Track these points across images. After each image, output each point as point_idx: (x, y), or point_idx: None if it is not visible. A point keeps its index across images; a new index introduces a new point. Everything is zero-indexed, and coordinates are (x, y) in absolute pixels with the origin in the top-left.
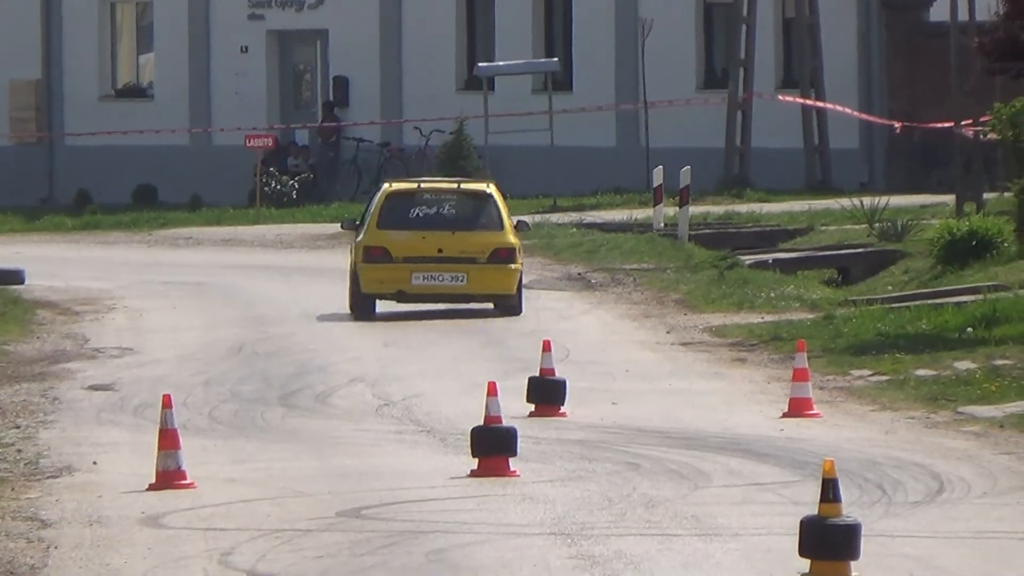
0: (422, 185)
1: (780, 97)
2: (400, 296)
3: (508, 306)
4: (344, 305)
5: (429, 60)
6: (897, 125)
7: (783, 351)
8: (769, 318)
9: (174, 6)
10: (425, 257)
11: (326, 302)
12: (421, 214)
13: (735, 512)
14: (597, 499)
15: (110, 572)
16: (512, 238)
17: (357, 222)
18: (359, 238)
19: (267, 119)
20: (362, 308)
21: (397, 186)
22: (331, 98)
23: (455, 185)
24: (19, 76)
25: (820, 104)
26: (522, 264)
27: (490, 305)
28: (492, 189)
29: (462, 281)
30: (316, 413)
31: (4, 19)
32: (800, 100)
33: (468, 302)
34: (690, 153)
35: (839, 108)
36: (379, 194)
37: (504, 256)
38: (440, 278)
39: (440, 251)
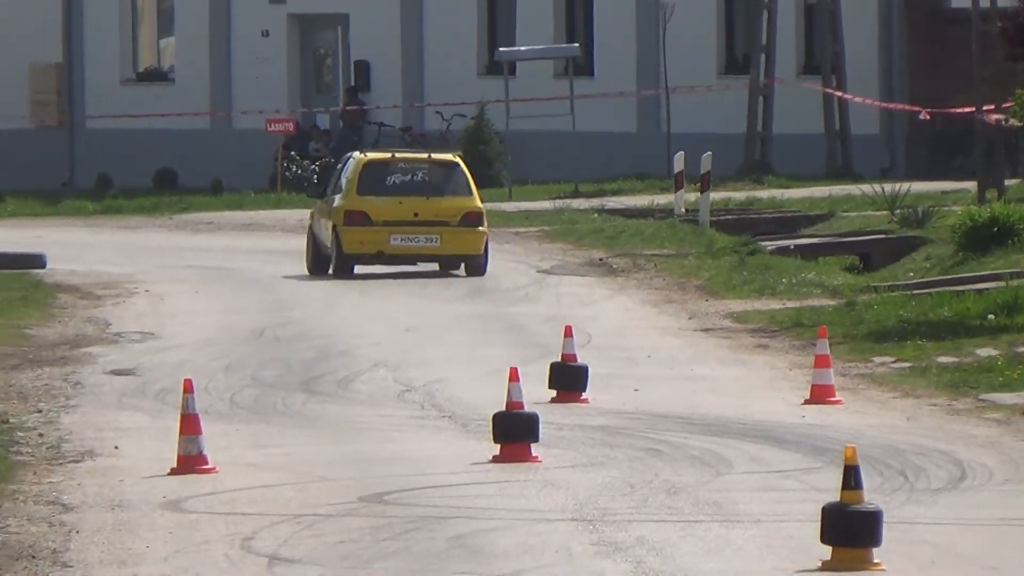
0: (396, 155)
1: (801, 83)
2: (379, 256)
3: (476, 265)
4: (363, 289)
5: (450, 45)
6: (924, 112)
7: (805, 337)
8: (791, 304)
9: None
10: (402, 220)
11: (346, 286)
12: (397, 181)
13: (757, 498)
14: (619, 485)
15: (131, 556)
16: (479, 203)
17: (323, 190)
18: (336, 204)
19: (288, 103)
20: (343, 268)
21: (372, 156)
22: (353, 82)
23: (426, 155)
24: (40, 59)
25: (840, 93)
26: (488, 228)
27: (511, 291)
28: (459, 159)
29: (436, 242)
30: (338, 398)
31: (25, 2)
32: (821, 87)
33: (441, 262)
34: (711, 139)
35: (859, 99)
36: (354, 164)
37: (474, 219)
38: (416, 240)
39: (416, 215)
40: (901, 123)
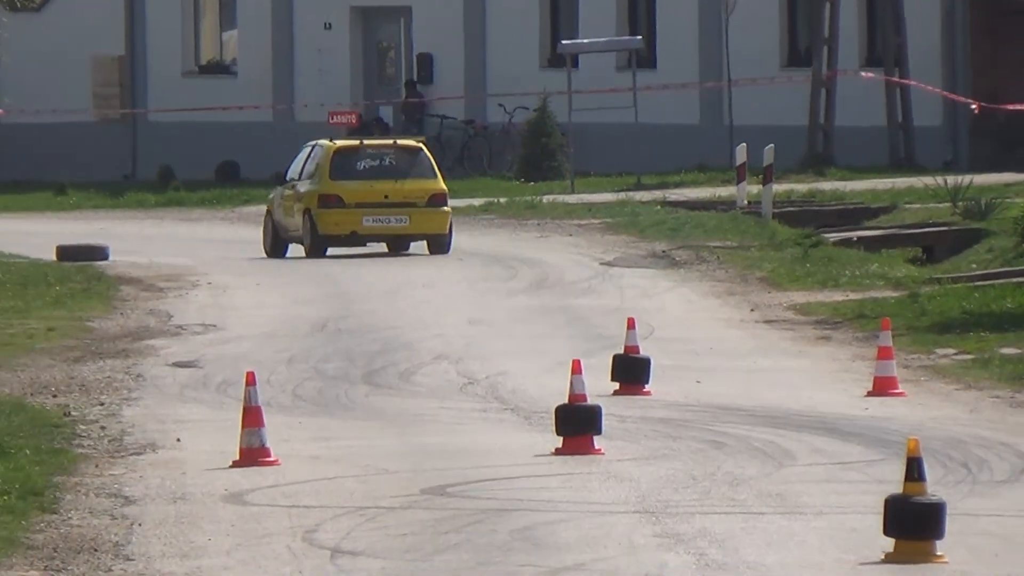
0: (364, 141)
1: (864, 75)
2: (353, 236)
3: (440, 243)
4: (427, 282)
5: (513, 37)
6: (974, 105)
7: (867, 329)
8: (853, 296)
9: None
10: (374, 202)
11: (410, 280)
12: (366, 166)
13: (819, 490)
14: (681, 477)
15: (194, 549)
16: (444, 185)
17: (286, 178)
18: (308, 189)
19: (350, 96)
20: (318, 249)
21: (341, 144)
22: (415, 75)
23: (392, 141)
24: (103, 52)
25: (903, 82)
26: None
27: (574, 283)
28: (422, 145)
29: (405, 222)
30: (400, 391)
31: None
32: (884, 78)
33: (410, 240)
34: (774, 131)
35: (922, 86)
36: (324, 151)
37: (439, 200)
38: (387, 220)
39: (386, 197)
40: (964, 115)
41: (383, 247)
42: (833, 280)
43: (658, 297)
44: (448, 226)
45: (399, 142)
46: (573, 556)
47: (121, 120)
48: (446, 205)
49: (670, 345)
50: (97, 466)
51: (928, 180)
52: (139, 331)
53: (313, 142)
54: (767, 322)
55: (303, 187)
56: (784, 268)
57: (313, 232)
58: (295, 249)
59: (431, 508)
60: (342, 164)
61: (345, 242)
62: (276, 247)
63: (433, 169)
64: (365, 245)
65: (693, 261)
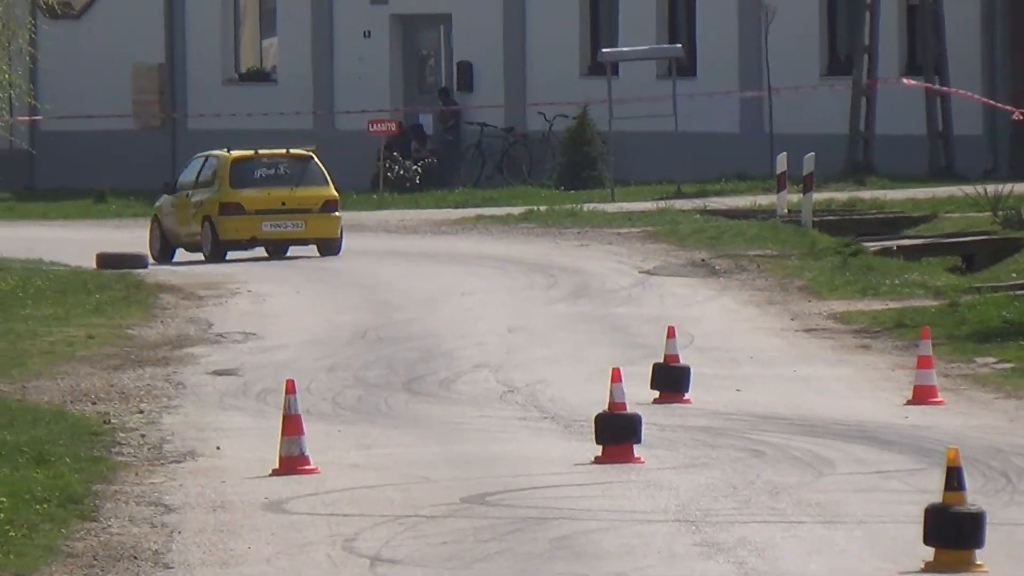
0: (259, 152)
1: (905, 82)
2: (252, 241)
3: (332, 247)
4: (466, 290)
5: (553, 45)
6: (1016, 113)
7: (907, 338)
8: (893, 305)
9: None
10: (272, 209)
11: (450, 287)
12: (263, 175)
13: (859, 499)
14: (721, 486)
15: (233, 557)
16: (335, 192)
17: (175, 188)
18: (207, 197)
19: (390, 104)
20: (217, 254)
21: (237, 154)
22: (455, 83)
23: (285, 150)
24: (143, 60)
25: (944, 90)
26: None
27: (613, 292)
28: (312, 154)
29: (301, 227)
30: (440, 399)
31: (129, 3)
32: (924, 86)
33: (305, 244)
34: (814, 139)
35: (963, 94)
36: (221, 161)
37: (332, 206)
38: (284, 225)
39: (283, 204)
40: (1004, 123)
41: (261, 251)
42: (873, 289)
43: (698, 306)
44: (339, 230)
45: (291, 151)
46: (613, 565)
47: (161, 127)
48: (337, 211)
49: (710, 354)
50: (137, 474)
51: (968, 189)
52: (179, 339)
53: (204, 153)
54: (807, 331)
55: (200, 195)
56: (824, 277)
57: (214, 237)
58: (182, 254)
59: (471, 517)
60: (240, 173)
61: (245, 246)
62: (164, 252)
63: (324, 177)
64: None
65: (733, 270)
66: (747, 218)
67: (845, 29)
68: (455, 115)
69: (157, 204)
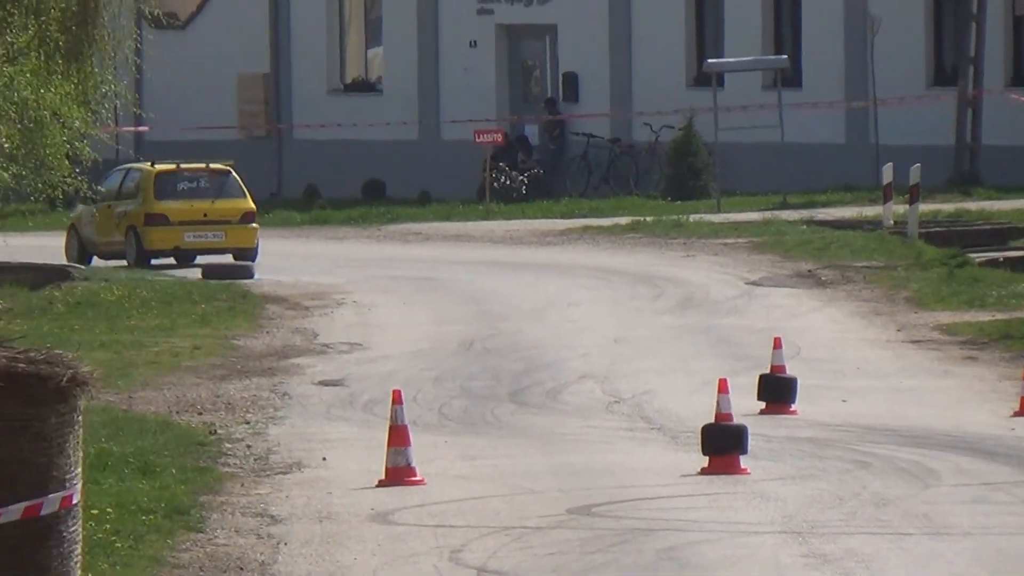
0: (181, 165)
1: (1013, 96)
2: (175, 251)
3: (248, 255)
4: (572, 300)
5: (658, 56)
6: None
7: (1014, 349)
8: (1000, 316)
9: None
10: (194, 220)
11: (555, 298)
12: (185, 188)
13: (966, 511)
14: (827, 497)
15: (340, 569)
16: (253, 204)
17: (95, 199)
18: (132, 208)
19: (496, 114)
20: (142, 261)
21: (160, 167)
22: (560, 94)
23: (204, 165)
24: (248, 70)
25: None
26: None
27: (719, 303)
28: (231, 168)
29: (221, 237)
30: (546, 409)
31: (234, 13)
32: None
33: (224, 253)
34: (919, 150)
35: None
36: (145, 174)
37: (250, 218)
38: (206, 236)
39: (205, 215)
40: None
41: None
42: (979, 300)
43: (804, 317)
44: (256, 241)
45: (211, 166)
46: None
47: (266, 138)
48: (255, 222)
49: (816, 365)
50: (243, 485)
51: None
52: (285, 349)
53: (126, 166)
54: (913, 342)
55: (124, 207)
56: (930, 288)
57: (139, 247)
58: (97, 262)
59: (577, 528)
60: (163, 186)
61: (168, 255)
62: (80, 260)
63: (242, 189)
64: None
65: (839, 281)
66: (853, 229)
67: (951, 40)
68: (561, 125)
69: (74, 214)
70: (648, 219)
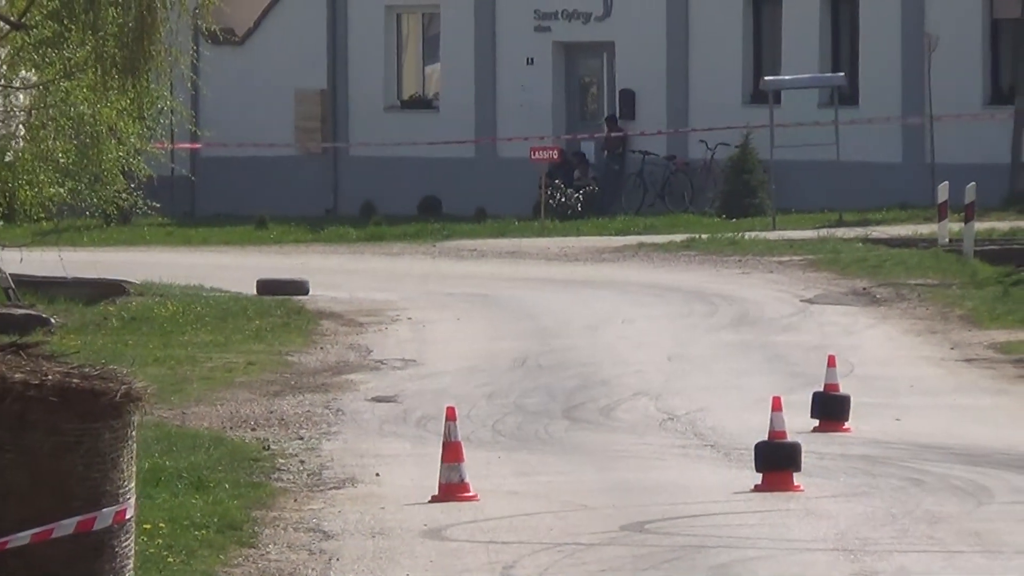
0: None
1: None
2: None
3: None
4: (627, 317)
5: (716, 73)
6: None
7: None
8: None
9: (461, 17)
10: None
11: (610, 315)
12: None
13: (1019, 529)
14: (880, 515)
15: None
16: None
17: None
18: None
19: (553, 131)
20: None
21: None
22: (617, 111)
23: None
24: (305, 86)
25: None
26: None
27: (774, 320)
28: None
29: None
30: (599, 426)
31: (291, 29)
32: None
33: None
34: (975, 169)
35: None
36: None
37: None
38: None
39: None
40: None
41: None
42: None
43: (858, 334)
44: None
45: None
46: None
47: (323, 154)
48: None
49: (870, 382)
50: (296, 500)
51: None
52: (338, 366)
53: None
54: (967, 360)
55: None
56: (985, 306)
57: None
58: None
59: (630, 544)
60: None
61: None
62: None
63: None
64: None
65: (894, 299)
66: (908, 247)
67: (1008, 58)
68: (622, 142)
69: None
70: (703, 236)
